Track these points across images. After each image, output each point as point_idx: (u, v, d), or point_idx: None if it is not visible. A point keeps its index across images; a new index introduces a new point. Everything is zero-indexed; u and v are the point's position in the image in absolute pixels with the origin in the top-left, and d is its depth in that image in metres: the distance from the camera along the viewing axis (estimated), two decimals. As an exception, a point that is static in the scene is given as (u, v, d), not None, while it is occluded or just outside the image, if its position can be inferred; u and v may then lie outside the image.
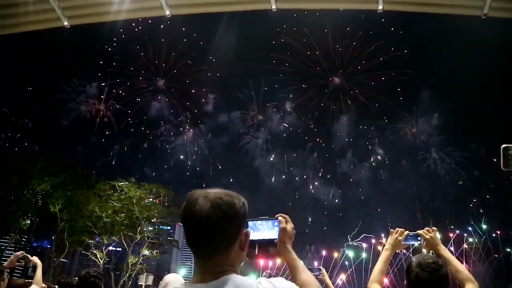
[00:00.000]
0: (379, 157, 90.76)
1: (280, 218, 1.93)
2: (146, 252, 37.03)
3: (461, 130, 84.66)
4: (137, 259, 35.38)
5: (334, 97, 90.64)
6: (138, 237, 35.40)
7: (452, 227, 79.06)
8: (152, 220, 36.73)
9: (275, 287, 1.42)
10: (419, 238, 3.08)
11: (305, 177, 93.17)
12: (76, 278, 4.33)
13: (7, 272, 4.40)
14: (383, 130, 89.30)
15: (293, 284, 1.50)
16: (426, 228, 3.11)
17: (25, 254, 4.62)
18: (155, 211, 36.38)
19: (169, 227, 50.67)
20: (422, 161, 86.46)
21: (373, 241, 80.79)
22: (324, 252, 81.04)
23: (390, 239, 3.09)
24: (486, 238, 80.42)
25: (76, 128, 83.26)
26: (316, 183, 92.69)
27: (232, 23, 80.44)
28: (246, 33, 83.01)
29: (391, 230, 3.17)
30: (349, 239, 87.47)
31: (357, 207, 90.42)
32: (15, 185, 33.99)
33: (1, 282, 4.11)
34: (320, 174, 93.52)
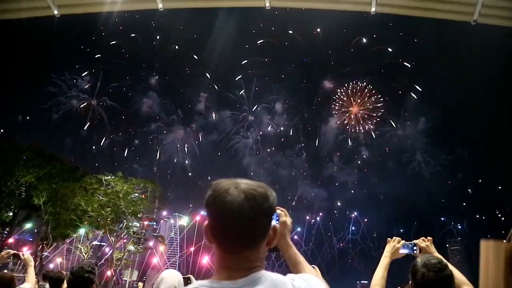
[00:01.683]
0: (365, 160, 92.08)
1: (279, 211, 1.84)
2: (131, 247, 36.71)
3: (446, 134, 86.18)
4: (122, 254, 35.07)
5: (324, 99, 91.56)
6: (124, 232, 35.10)
7: (434, 230, 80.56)
8: (139, 215, 36.44)
9: (309, 284, 1.38)
10: (415, 248, 3.20)
11: (293, 177, 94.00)
12: (68, 273, 4.22)
13: None
14: (370, 133, 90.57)
15: (322, 281, 1.46)
16: (421, 238, 3.24)
17: (15, 252, 4.44)
18: (141, 206, 36.08)
19: (154, 223, 50.44)
20: (408, 163, 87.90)
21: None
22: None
23: (388, 247, 3.24)
24: (468, 240, 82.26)
25: (67, 122, 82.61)
26: (304, 183, 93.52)
27: (226, 21, 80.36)
28: (240, 32, 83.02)
29: (388, 239, 3.34)
30: (335, 241, 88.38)
31: (344, 208, 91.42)
32: (-1, 176, 33.38)
33: None
34: (307, 175, 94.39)
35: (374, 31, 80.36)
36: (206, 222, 1.36)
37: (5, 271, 4.78)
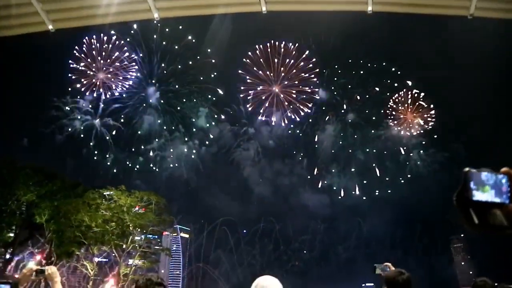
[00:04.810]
0: (363, 164, 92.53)
1: None
2: (137, 261, 36.28)
3: (441, 131, 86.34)
4: (128, 269, 34.67)
5: (320, 108, 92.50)
6: (130, 246, 34.66)
7: (436, 228, 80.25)
8: (144, 230, 36.07)
9: None
10: (387, 268, 4.87)
11: (293, 185, 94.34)
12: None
13: None
14: (367, 138, 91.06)
15: None
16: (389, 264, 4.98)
17: (39, 268, 3.83)
18: (147, 219, 35.62)
19: (156, 236, 50.02)
20: (405, 164, 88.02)
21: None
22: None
23: None
24: (470, 237, 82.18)
25: (70, 143, 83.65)
26: (305, 191, 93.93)
27: (220, 29, 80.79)
28: (234, 43, 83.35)
29: None
30: (342, 250, 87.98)
31: (347, 214, 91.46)
32: (-1, 196, 33.00)
33: None
34: (308, 183, 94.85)
35: (367, 32, 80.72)
36: None
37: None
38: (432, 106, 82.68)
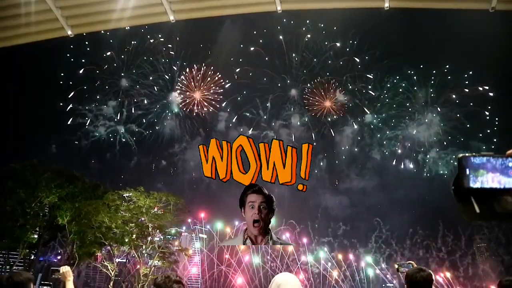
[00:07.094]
0: (382, 164, 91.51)
1: None
2: (157, 262, 36.56)
3: (459, 129, 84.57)
4: (148, 269, 35.01)
5: (338, 110, 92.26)
6: (149, 247, 35.00)
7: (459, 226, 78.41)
8: (163, 230, 36.40)
9: None
10: (410, 266, 4.71)
11: (313, 187, 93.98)
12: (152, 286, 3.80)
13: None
14: (385, 138, 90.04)
15: None
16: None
17: (54, 268, 4.17)
18: (165, 220, 35.84)
19: (175, 237, 50.51)
20: (424, 163, 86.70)
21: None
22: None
23: None
24: (495, 236, 79.89)
25: (96, 148, 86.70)
26: (324, 192, 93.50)
27: (236, 31, 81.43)
28: (250, 45, 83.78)
29: None
30: (362, 251, 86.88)
31: (366, 214, 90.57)
32: (23, 198, 33.76)
33: None
34: (327, 184, 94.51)
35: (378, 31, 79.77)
36: None
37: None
38: (448, 104, 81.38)
